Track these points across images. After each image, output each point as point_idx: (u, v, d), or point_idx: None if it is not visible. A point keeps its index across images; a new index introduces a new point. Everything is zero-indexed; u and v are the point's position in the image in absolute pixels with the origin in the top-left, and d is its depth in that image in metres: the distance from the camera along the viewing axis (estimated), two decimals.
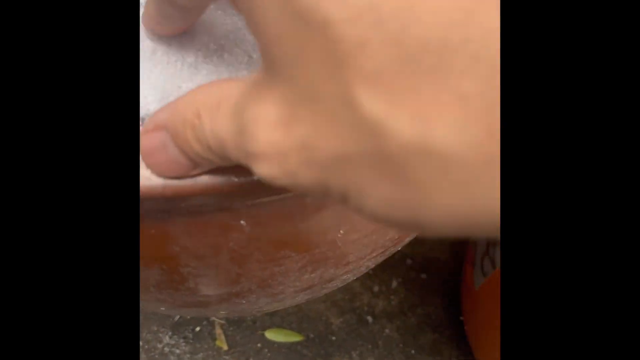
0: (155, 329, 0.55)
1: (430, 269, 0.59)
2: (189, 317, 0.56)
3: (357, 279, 0.58)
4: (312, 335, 0.55)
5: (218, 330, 0.55)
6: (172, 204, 0.19)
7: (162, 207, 0.20)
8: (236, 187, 0.19)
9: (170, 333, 0.55)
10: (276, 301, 0.31)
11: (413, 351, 0.55)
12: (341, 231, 0.25)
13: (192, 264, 0.23)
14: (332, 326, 0.56)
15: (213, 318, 0.56)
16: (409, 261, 0.59)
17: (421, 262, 0.59)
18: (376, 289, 0.58)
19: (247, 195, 0.21)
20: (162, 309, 0.30)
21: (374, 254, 0.29)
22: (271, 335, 0.55)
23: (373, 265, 0.34)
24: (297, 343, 0.55)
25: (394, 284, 0.58)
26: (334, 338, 0.55)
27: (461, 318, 0.55)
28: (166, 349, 0.54)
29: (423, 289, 0.58)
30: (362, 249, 0.27)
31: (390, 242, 0.28)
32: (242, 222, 0.22)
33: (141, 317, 0.56)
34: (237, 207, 0.22)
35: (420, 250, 0.60)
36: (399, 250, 0.60)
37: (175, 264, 0.24)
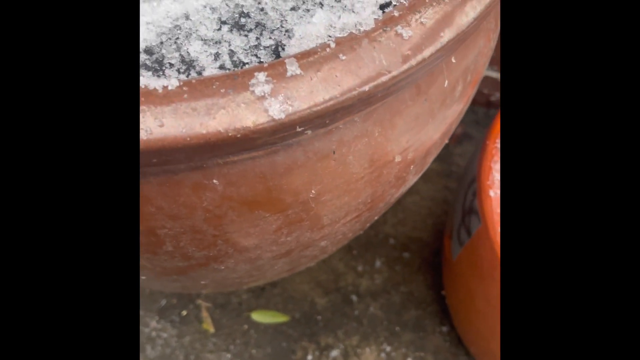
0: (142, 313, 0.56)
1: (412, 248, 0.60)
2: (174, 300, 0.56)
3: (340, 259, 0.59)
4: (297, 316, 0.56)
5: (204, 314, 0.56)
6: (144, 159, 0.20)
7: None
8: (204, 140, 0.19)
9: (157, 317, 0.56)
10: (255, 269, 0.32)
11: (397, 328, 0.56)
12: (313, 191, 0.25)
13: (168, 225, 0.24)
14: (317, 306, 0.57)
15: (199, 301, 0.57)
16: (391, 241, 0.60)
17: (404, 242, 0.60)
18: (360, 268, 0.59)
19: (218, 152, 0.21)
20: (142, 278, 0.31)
21: (349, 218, 0.29)
22: (257, 316, 0.56)
23: (350, 234, 0.35)
24: (283, 324, 0.56)
25: (378, 263, 0.59)
26: (319, 318, 0.56)
27: (443, 293, 0.56)
28: (153, 333, 0.55)
29: (406, 267, 0.59)
30: (336, 211, 0.28)
31: (364, 205, 0.29)
32: (214, 181, 0.23)
33: None
34: (209, 165, 0.22)
35: (402, 230, 0.61)
36: (381, 230, 0.61)
37: (152, 226, 0.24)
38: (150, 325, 0.55)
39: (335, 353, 0.55)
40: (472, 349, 0.51)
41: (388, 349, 0.55)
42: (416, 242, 0.60)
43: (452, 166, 0.65)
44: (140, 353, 0.54)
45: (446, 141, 0.33)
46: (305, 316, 0.56)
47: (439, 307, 0.57)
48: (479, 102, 0.68)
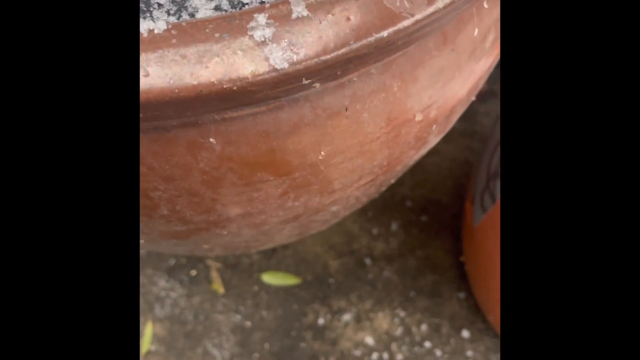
0: (151, 272, 0.55)
1: (430, 211, 0.57)
2: (183, 260, 0.55)
3: (355, 221, 0.57)
4: (309, 278, 0.55)
5: (214, 274, 0.55)
6: None
7: None
8: (194, 92, 0.17)
9: (166, 277, 0.54)
10: (261, 233, 0.30)
11: (412, 293, 0.54)
12: (322, 153, 0.23)
13: (161, 187, 0.22)
14: (329, 269, 0.55)
15: (209, 262, 0.55)
16: (408, 203, 0.58)
17: (422, 204, 0.58)
18: (375, 231, 0.56)
19: (213, 107, 0.19)
20: (142, 241, 0.29)
21: (362, 182, 0.27)
22: (268, 278, 0.54)
23: (364, 198, 0.33)
24: (295, 286, 0.54)
25: (394, 226, 0.57)
26: (331, 281, 0.54)
27: (461, 259, 0.54)
28: (162, 293, 0.54)
29: (423, 231, 0.56)
30: (348, 175, 0.25)
31: (379, 168, 0.26)
32: (211, 139, 0.20)
33: None
34: (205, 122, 0.20)
35: (420, 192, 0.58)
36: (398, 192, 0.58)
37: (144, 187, 0.22)
38: (159, 285, 0.54)
39: (347, 317, 0.53)
40: (490, 317, 0.49)
41: (402, 314, 0.53)
42: (435, 205, 0.58)
43: (476, 125, 0.61)
44: (149, 312, 0.53)
45: (473, 99, 0.30)
46: (317, 279, 0.55)
47: (456, 273, 0.55)
48: None
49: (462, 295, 0.54)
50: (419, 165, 0.60)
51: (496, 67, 0.64)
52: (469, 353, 0.51)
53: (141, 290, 0.54)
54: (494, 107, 0.63)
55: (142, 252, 0.56)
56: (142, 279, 0.54)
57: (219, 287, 0.54)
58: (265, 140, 0.21)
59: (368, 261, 0.55)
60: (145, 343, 0.52)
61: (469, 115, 0.62)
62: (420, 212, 0.58)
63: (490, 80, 0.63)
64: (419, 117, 0.24)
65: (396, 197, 0.58)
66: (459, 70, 0.24)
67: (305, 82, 0.18)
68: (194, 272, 0.55)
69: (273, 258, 0.55)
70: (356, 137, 0.23)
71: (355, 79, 0.21)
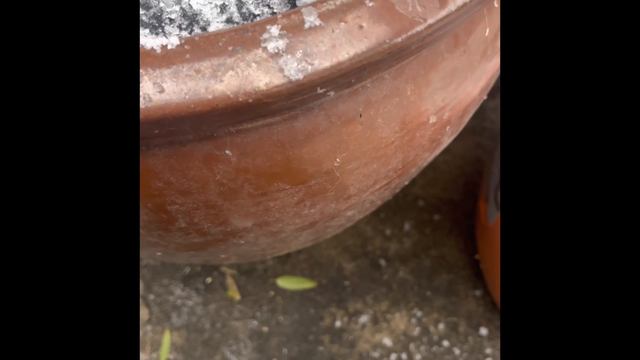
0: (167, 282, 0.55)
1: (443, 210, 0.57)
2: (198, 268, 0.55)
3: (368, 222, 0.57)
4: (324, 282, 0.54)
5: (229, 281, 0.55)
6: (144, 130, 0.18)
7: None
8: (210, 106, 0.17)
9: (181, 286, 0.55)
10: (278, 241, 0.30)
11: (428, 293, 0.54)
12: (337, 160, 0.23)
13: (179, 201, 0.22)
14: (344, 271, 0.55)
15: (224, 269, 0.55)
16: (421, 202, 0.57)
17: (434, 204, 0.57)
18: (388, 232, 0.56)
19: (229, 120, 0.19)
20: (158, 254, 0.29)
21: (377, 186, 0.27)
22: (283, 282, 0.54)
23: (379, 201, 0.32)
24: (310, 290, 0.54)
25: (407, 226, 0.56)
26: (347, 283, 0.54)
27: (476, 257, 0.53)
28: (178, 302, 0.54)
29: (436, 230, 0.56)
30: (363, 180, 0.25)
31: (394, 172, 0.26)
32: (227, 151, 0.20)
33: (151, 272, 0.55)
34: (220, 134, 0.20)
35: (432, 191, 0.58)
36: (410, 192, 0.58)
37: (162, 202, 0.22)
38: (175, 294, 0.54)
39: (364, 319, 0.53)
40: None
41: (419, 314, 0.53)
42: (447, 204, 0.57)
43: (485, 122, 0.61)
44: (166, 321, 0.53)
45: (484, 97, 0.29)
46: (333, 282, 0.55)
47: (472, 271, 0.54)
48: None
49: (478, 293, 0.53)
50: (430, 164, 0.59)
51: None
52: (488, 350, 0.51)
53: (157, 299, 0.54)
54: None
55: (156, 262, 0.56)
56: (158, 289, 0.55)
57: (234, 293, 0.54)
58: (280, 150, 0.21)
59: (383, 262, 0.55)
60: (164, 352, 0.52)
61: (478, 111, 0.61)
62: (432, 211, 0.57)
63: None
64: (433, 120, 0.24)
65: (408, 197, 0.58)
66: (471, 71, 0.24)
67: (319, 91, 0.18)
68: (209, 280, 0.55)
69: (287, 263, 0.55)
70: (371, 142, 0.23)
71: (368, 85, 0.21)
